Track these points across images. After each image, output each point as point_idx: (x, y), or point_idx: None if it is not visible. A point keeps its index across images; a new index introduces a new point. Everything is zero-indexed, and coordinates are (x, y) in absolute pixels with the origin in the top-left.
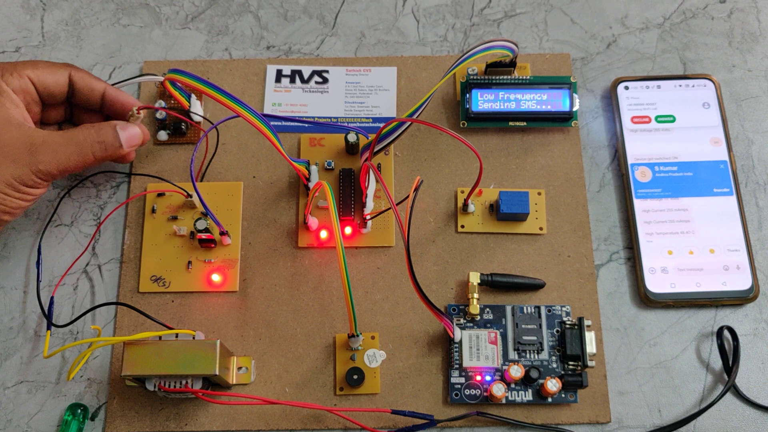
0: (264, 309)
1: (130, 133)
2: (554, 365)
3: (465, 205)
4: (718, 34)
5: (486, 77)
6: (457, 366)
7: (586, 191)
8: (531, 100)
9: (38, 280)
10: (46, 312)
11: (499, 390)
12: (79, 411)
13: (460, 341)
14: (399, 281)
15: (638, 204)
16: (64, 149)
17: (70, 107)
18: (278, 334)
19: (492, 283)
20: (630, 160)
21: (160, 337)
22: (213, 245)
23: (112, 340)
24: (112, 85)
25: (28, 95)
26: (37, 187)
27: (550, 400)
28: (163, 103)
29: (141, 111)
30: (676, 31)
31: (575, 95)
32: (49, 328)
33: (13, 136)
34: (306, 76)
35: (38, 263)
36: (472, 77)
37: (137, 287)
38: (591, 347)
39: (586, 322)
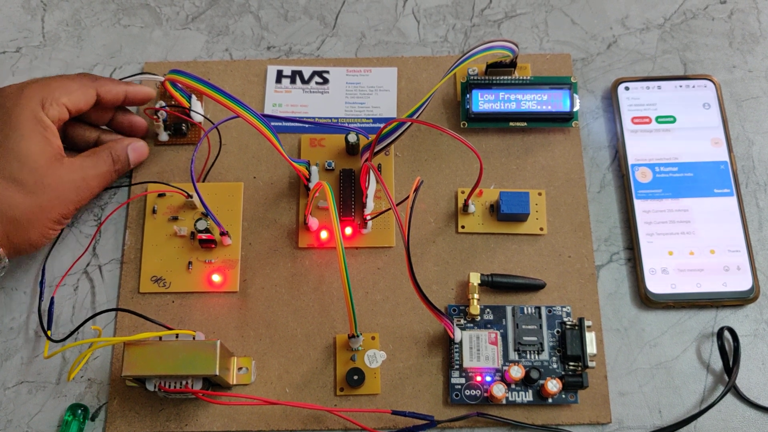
0: (264, 309)
1: (138, 153)
2: (555, 366)
3: (465, 205)
4: (718, 35)
5: (486, 78)
6: (458, 366)
7: (587, 192)
8: (531, 101)
9: (41, 285)
10: (47, 313)
11: (499, 390)
12: (80, 411)
13: (461, 342)
14: (399, 282)
15: (639, 204)
16: (95, 182)
17: None
18: (278, 334)
19: (492, 284)
20: (630, 161)
21: (160, 338)
22: (213, 246)
23: (113, 341)
24: None
25: (61, 122)
26: (72, 216)
27: (550, 400)
28: (163, 104)
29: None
30: (677, 32)
31: (576, 96)
32: (50, 329)
33: (60, 176)
34: (306, 76)
35: (41, 283)
36: (472, 77)
37: (138, 288)
38: (591, 348)
39: (587, 323)
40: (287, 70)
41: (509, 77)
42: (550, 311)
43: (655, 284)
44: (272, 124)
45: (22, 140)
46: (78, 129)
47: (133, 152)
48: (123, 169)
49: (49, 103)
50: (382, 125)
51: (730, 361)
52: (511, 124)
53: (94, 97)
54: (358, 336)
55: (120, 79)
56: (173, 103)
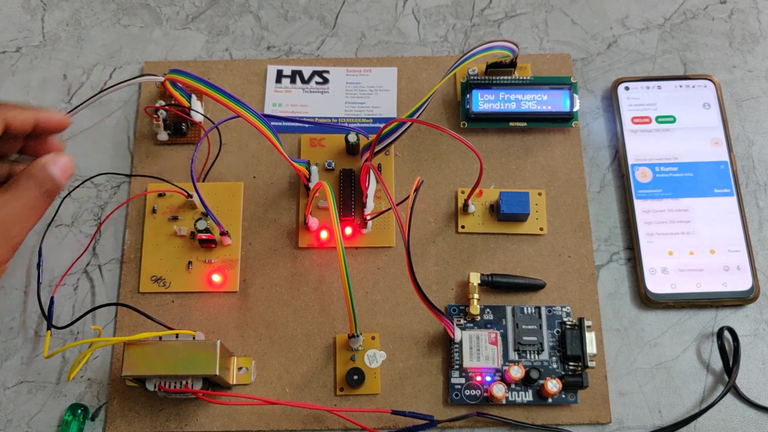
0: (264, 309)
1: (62, 167)
2: (554, 366)
3: (465, 205)
4: (718, 35)
5: (486, 78)
6: (458, 366)
7: (587, 192)
8: (531, 101)
9: (39, 282)
10: (47, 313)
11: (499, 390)
12: (80, 411)
13: (461, 342)
14: (399, 281)
15: (639, 204)
16: (22, 217)
17: None
18: (278, 334)
19: (492, 284)
20: (630, 161)
21: (160, 338)
22: (213, 245)
23: (113, 341)
24: (112, 86)
25: None
26: (12, 256)
27: (550, 400)
28: (163, 104)
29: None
30: (677, 32)
31: (576, 96)
32: (49, 328)
33: None
34: (306, 76)
35: (39, 265)
36: (472, 77)
37: (137, 287)
38: (591, 348)
39: (587, 323)
40: (287, 70)
41: (509, 77)
42: (550, 311)
43: (655, 284)
44: (272, 123)
45: None
46: None
47: (55, 167)
48: (54, 189)
49: None
50: (382, 125)
51: (730, 361)
52: (511, 124)
53: (2, 128)
54: (358, 336)
55: (120, 83)
56: (173, 102)
